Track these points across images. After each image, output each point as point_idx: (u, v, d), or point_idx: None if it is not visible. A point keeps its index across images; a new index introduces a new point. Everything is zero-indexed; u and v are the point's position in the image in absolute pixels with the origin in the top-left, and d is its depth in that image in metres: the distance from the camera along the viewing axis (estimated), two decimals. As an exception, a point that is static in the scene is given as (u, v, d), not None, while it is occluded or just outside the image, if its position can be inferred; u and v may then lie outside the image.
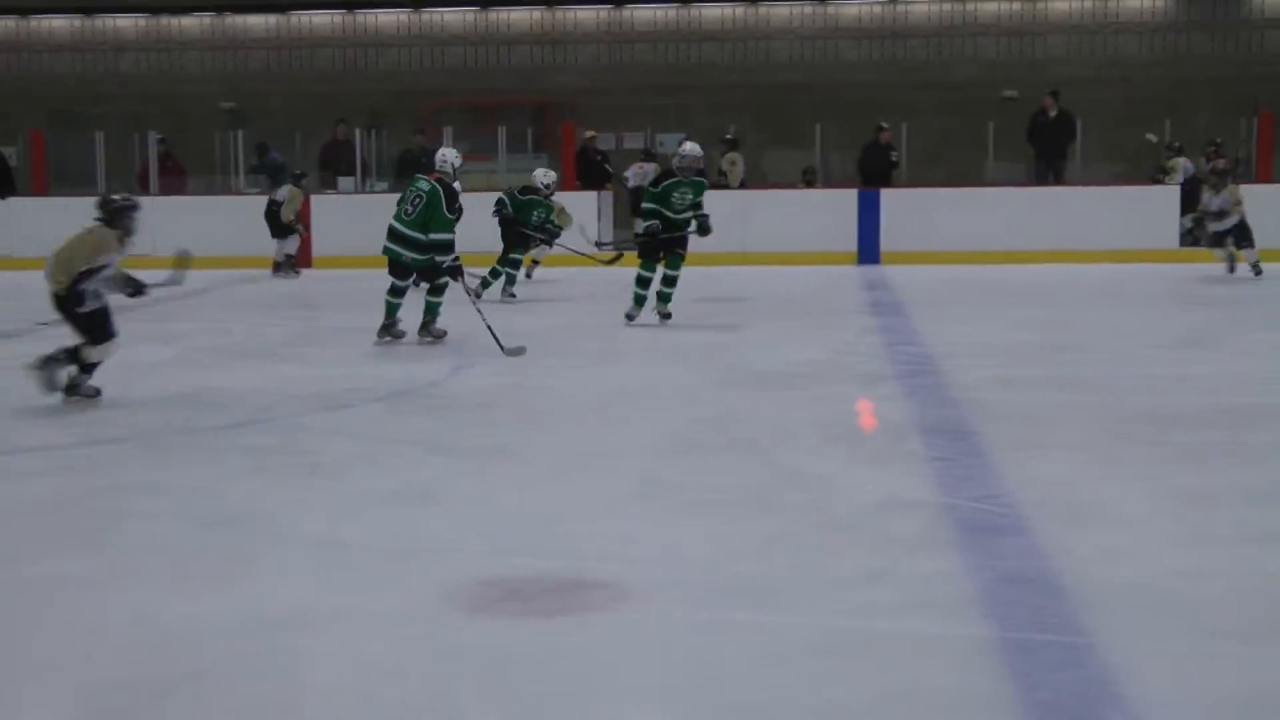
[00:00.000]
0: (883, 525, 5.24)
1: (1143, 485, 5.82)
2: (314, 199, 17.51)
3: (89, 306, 7.61)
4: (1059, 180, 17.84)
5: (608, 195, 17.96)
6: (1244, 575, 4.58)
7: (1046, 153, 17.87)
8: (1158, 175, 17.86)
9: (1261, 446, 6.61)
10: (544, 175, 13.73)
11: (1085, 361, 9.20)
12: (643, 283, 11.18)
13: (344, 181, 18.45)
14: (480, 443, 6.84)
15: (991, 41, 23.32)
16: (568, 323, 11.69)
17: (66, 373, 7.70)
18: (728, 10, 23.68)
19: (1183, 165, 17.72)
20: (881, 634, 4.06)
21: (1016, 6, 23.59)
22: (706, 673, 3.78)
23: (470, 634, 4.09)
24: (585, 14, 23.86)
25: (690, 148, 11.28)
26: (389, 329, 10.28)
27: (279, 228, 16.42)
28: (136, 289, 7.85)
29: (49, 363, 7.62)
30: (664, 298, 11.28)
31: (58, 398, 7.71)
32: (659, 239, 11.08)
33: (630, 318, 11.19)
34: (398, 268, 10.18)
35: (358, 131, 18.76)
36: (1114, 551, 4.85)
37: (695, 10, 23.64)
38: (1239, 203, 13.88)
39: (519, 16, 23.75)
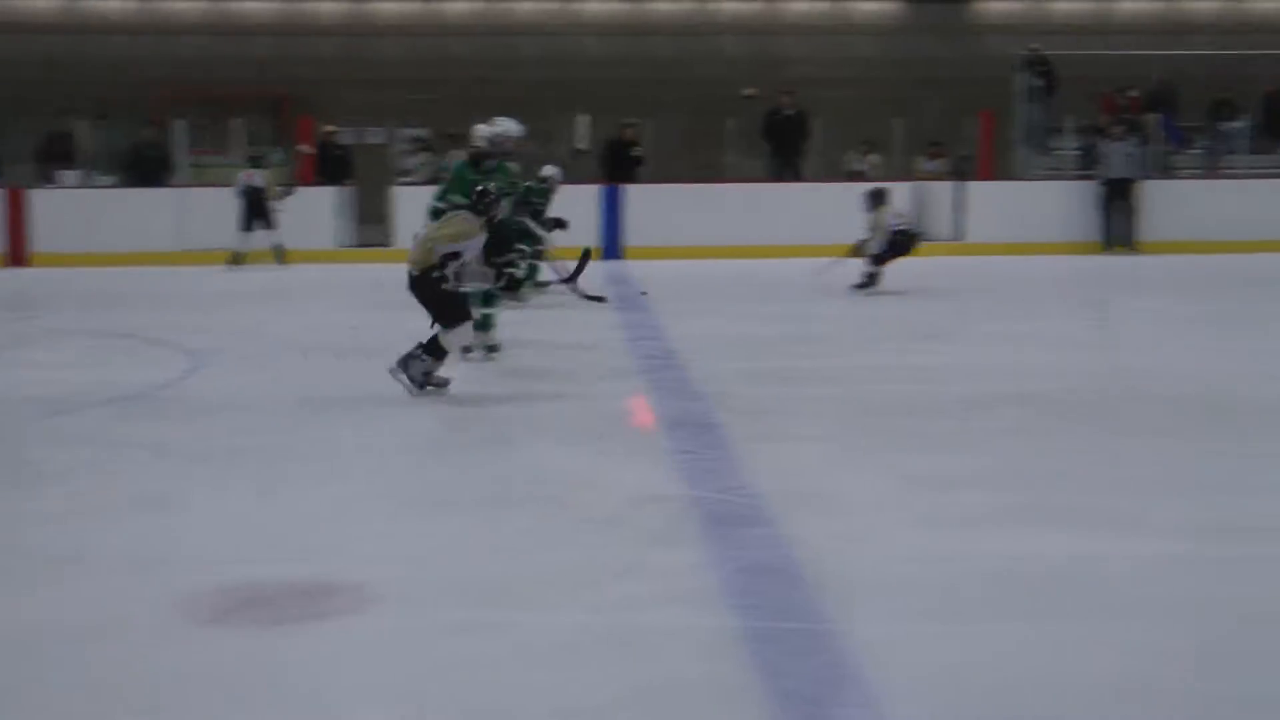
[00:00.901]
0: (632, 520, 5.28)
1: (879, 473, 6.01)
2: (33, 194, 16.73)
3: (447, 288, 7.65)
4: (797, 176, 18.31)
5: (348, 192, 17.62)
6: (976, 557, 4.77)
7: (783, 150, 18.34)
8: (855, 172, 18.30)
9: (988, 433, 6.91)
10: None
11: (823, 353, 9.46)
12: (493, 300, 8.86)
13: (66, 175, 17.68)
14: (217, 446, 6.64)
15: (732, 40, 23.78)
16: (318, 320, 11.42)
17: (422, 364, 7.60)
18: (473, 5, 23.57)
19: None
20: (633, 628, 4.09)
21: (755, 6, 24.12)
22: (455, 674, 3.75)
23: (210, 643, 3.97)
24: (326, 6, 23.42)
25: (511, 125, 9.17)
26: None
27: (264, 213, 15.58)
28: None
29: (409, 361, 7.57)
30: (487, 323, 8.91)
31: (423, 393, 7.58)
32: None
33: (493, 349, 8.90)
34: None
35: (82, 123, 17.96)
36: (852, 538, 5.01)
37: (438, 5, 23.46)
38: (879, 229, 13.52)
39: (256, 7, 23.15)
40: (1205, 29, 23.33)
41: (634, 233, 17.08)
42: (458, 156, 11.29)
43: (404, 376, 7.55)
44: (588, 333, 10.50)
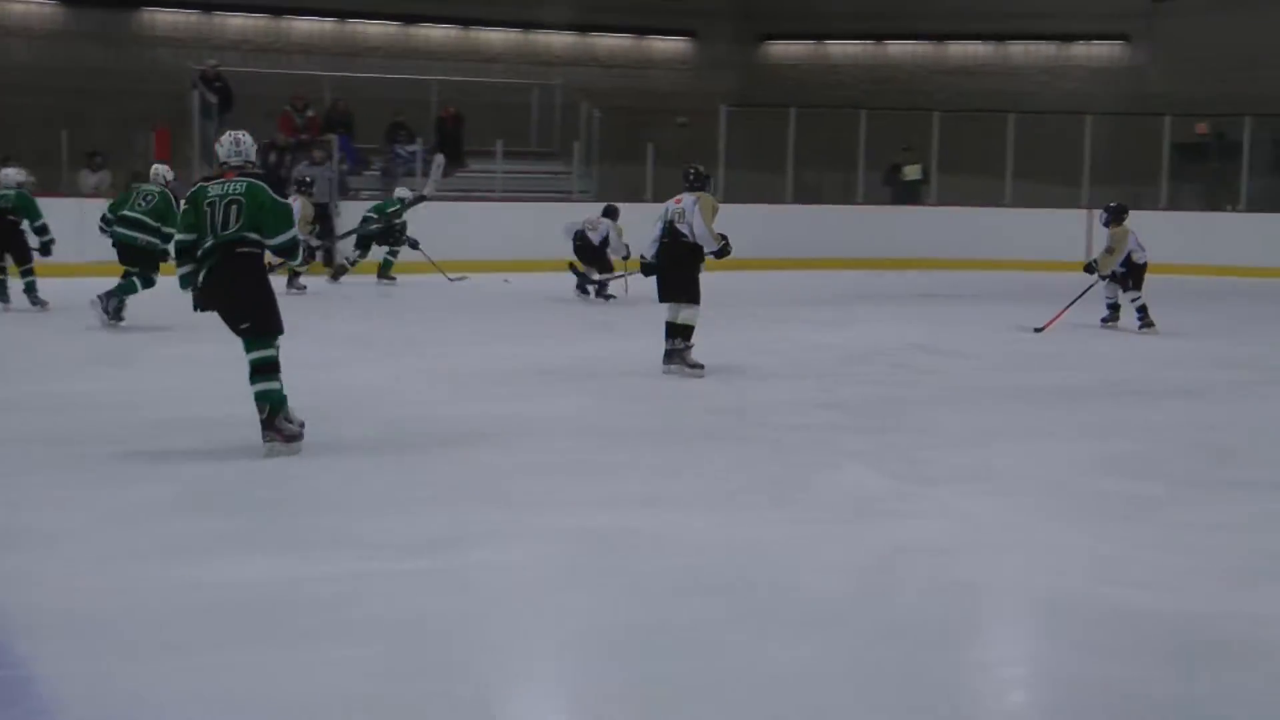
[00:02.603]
0: None
1: (75, 504, 5.82)
2: None
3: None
4: None
5: None
6: (155, 591, 4.72)
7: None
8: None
9: (185, 457, 6.80)
10: None
11: (32, 379, 8.93)
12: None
13: None
14: None
15: None
16: None
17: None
18: None
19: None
20: None
21: None
22: None
23: None
24: None
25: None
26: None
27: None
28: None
29: (671, 358, 9.77)
30: (277, 400, 7.02)
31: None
32: None
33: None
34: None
35: None
36: (37, 575, 4.81)
37: None
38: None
39: None
40: (378, 51, 24.48)
41: None
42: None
43: (686, 369, 9.67)
44: None
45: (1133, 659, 4.23)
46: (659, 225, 9.90)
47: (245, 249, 6.82)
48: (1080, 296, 12.82)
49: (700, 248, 9.78)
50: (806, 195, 20.94)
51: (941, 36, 26.33)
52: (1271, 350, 11.93)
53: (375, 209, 16.57)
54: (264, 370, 6.81)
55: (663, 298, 9.84)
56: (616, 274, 14.26)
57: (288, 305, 7.24)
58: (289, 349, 7.04)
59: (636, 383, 9.41)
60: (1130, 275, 12.85)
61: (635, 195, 19.82)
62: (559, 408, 8.43)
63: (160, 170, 12.82)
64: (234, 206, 6.77)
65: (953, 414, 8.51)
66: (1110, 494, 6.44)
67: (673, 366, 9.69)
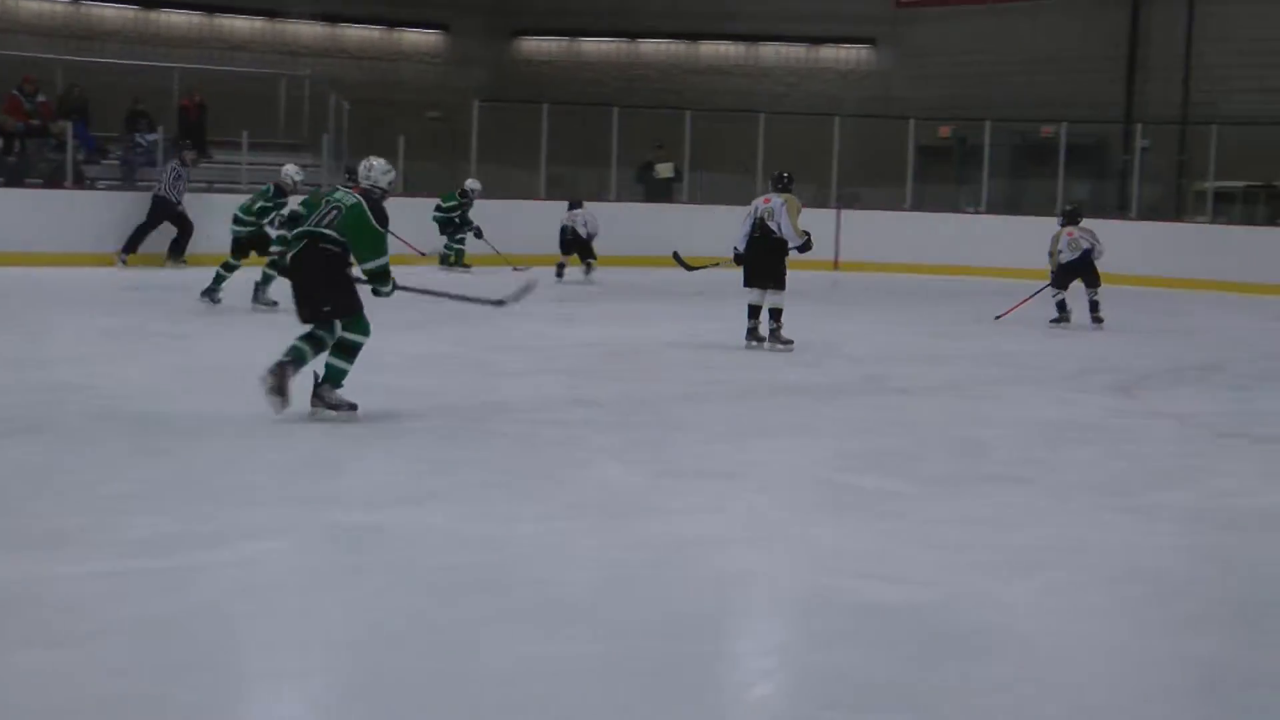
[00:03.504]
0: None
1: None
2: None
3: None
4: None
5: None
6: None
7: None
8: None
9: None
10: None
11: None
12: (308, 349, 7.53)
13: None
14: None
15: None
16: None
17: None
18: None
19: None
20: None
21: None
22: None
23: None
24: None
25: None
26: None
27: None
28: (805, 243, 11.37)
29: (754, 335, 11.35)
30: (335, 376, 7.61)
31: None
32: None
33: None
34: None
35: None
36: None
37: None
38: None
39: None
40: (116, 36, 23.60)
41: None
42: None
43: (779, 345, 11.07)
44: None
45: (881, 650, 4.29)
46: (748, 221, 11.30)
47: (327, 245, 7.50)
48: (1038, 293, 13.77)
49: (786, 241, 11.22)
50: (559, 191, 20.89)
51: (693, 36, 26.64)
52: (1022, 346, 12.34)
53: (447, 199, 18.45)
54: (348, 350, 7.59)
55: (749, 283, 11.30)
56: (708, 265, 13.70)
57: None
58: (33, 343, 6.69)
59: (395, 379, 9.21)
60: (1059, 273, 13.77)
61: (386, 189, 19.50)
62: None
63: (289, 171, 13.73)
64: (335, 210, 7.57)
65: (707, 410, 8.57)
66: (865, 489, 6.56)
67: (755, 343, 11.22)
